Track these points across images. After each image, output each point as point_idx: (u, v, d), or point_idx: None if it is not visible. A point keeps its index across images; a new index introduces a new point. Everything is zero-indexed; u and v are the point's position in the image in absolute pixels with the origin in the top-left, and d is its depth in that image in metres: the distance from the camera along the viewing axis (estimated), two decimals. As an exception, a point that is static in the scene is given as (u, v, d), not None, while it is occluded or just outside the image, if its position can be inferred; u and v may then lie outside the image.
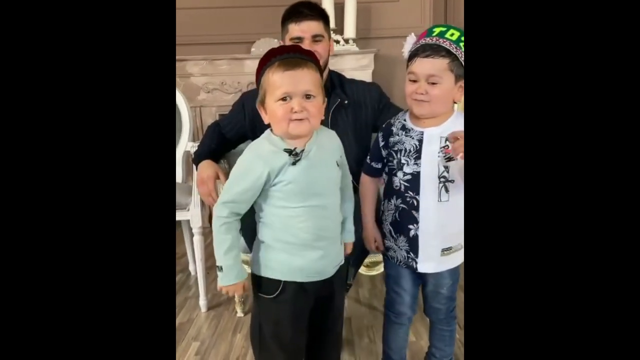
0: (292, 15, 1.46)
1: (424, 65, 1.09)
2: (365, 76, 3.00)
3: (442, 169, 1.11)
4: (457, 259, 1.21)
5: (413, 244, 1.18)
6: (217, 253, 1.04)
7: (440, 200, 1.13)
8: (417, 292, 1.28)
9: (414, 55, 1.11)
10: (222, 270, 1.04)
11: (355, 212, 1.22)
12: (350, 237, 1.21)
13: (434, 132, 1.13)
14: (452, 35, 1.09)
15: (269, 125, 1.06)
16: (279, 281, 1.05)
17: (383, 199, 1.26)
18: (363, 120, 1.55)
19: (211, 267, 2.32)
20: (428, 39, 1.10)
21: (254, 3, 3.11)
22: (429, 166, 1.12)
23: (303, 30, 1.44)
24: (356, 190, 1.27)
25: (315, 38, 1.45)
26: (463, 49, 1.08)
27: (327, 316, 1.16)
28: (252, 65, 3.05)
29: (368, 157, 1.27)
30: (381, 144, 1.23)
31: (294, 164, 0.99)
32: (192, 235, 2.00)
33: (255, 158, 1.01)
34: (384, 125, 1.25)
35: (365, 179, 1.29)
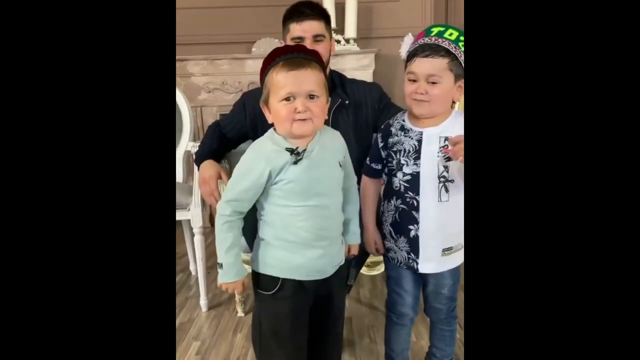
0: (293, 15, 1.46)
1: (424, 65, 1.09)
2: (366, 76, 2.99)
3: (442, 168, 1.11)
4: (458, 258, 1.21)
5: (413, 245, 1.17)
6: (219, 250, 1.05)
7: (441, 200, 1.13)
8: (418, 292, 1.28)
9: (413, 55, 1.11)
10: (223, 268, 1.05)
11: None
12: (356, 239, 1.21)
13: (433, 132, 1.13)
14: (450, 35, 1.09)
15: (270, 125, 1.06)
16: (278, 278, 1.06)
17: (383, 199, 1.26)
18: (364, 120, 1.55)
19: (212, 267, 2.33)
20: (427, 38, 1.10)
21: (255, 3, 3.11)
22: (429, 166, 1.12)
23: (304, 30, 1.44)
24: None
25: (317, 38, 1.45)
26: (462, 49, 1.08)
27: (328, 316, 1.16)
28: (253, 65, 3.05)
29: (368, 159, 1.27)
30: (380, 144, 1.23)
31: (295, 163, 1.00)
32: (192, 235, 2.01)
33: (258, 157, 1.02)
34: (382, 126, 1.25)
35: (365, 180, 1.29)
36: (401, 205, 1.17)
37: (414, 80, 1.11)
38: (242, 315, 1.93)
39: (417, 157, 1.13)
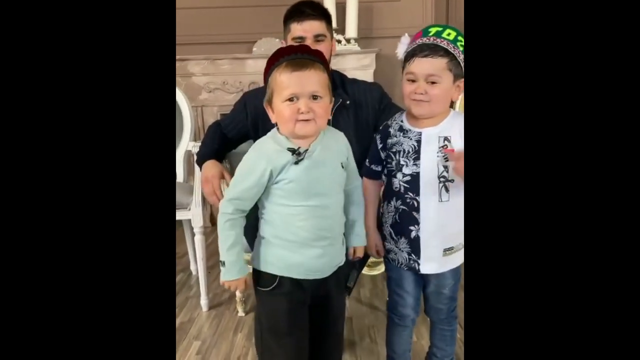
0: (294, 14, 1.46)
1: (423, 65, 1.09)
2: (367, 76, 3.00)
3: (442, 168, 1.11)
4: (459, 258, 1.21)
5: (414, 246, 1.17)
6: (221, 248, 1.06)
7: (441, 200, 1.13)
8: (419, 293, 1.28)
9: (411, 55, 1.11)
10: (225, 266, 1.06)
11: None
12: (361, 241, 1.21)
13: (432, 132, 1.13)
14: (448, 35, 1.09)
15: (271, 126, 1.06)
16: (276, 276, 1.07)
17: (382, 201, 1.25)
18: (364, 120, 1.54)
19: (212, 267, 2.33)
20: (425, 39, 1.10)
21: (256, 3, 3.11)
22: (429, 166, 1.12)
23: (305, 29, 1.44)
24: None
25: (318, 38, 1.45)
26: (460, 49, 1.08)
27: (327, 316, 1.16)
28: (254, 64, 3.06)
29: (367, 160, 1.26)
30: (379, 146, 1.22)
31: (296, 163, 1.01)
32: (193, 234, 2.01)
33: (259, 156, 1.03)
34: (381, 127, 1.25)
35: (365, 182, 1.28)
36: (401, 206, 1.17)
37: (413, 81, 1.11)
38: (243, 315, 1.93)
39: (417, 158, 1.13)
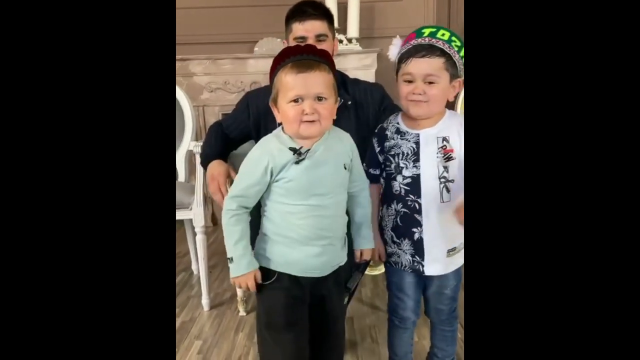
0: (296, 14, 1.45)
1: (421, 65, 1.09)
2: (368, 76, 3.00)
3: (442, 169, 1.11)
4: (461, 259, 1.21)
5: (418, 247, 1.17)
6: (227, 245, 1.06)
7: (443, 201, 1.12)
8: (420, 296, 1.27)
9: (407, 56, 1.11)
10: (233, 262, 1.06)
11: None
12: (368, 244, 1.20)
13: (430, 133, 1.13)
14: (443, 35, 1.09)
15: (273, 126, 1.07)
16: (275, 271, 1.08)
17: (381, 205, 1.25)
18: (365, 120, 1.54)
19: (214, 266, 2.33)
20: (420, 39, 1.10)
21: (257, 2, 3.11)
22: (429, 168, 1.12)
23: (307, 29, 1.44)
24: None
25: (319, 37, 1.44)
26: (455, 49, 1.08)
27: (327, 316, 1.16)
28: (255, 64, 3.06)
29: (365, 164, 1.25)
30: (377, 149, 1.22)
31: (297, 162, 1.01)
32: (194, 234, 2.01)
33: (262, 154, 1.04)
34: (377, 130, 1.25)
35: None
36: (402, 209, 1.16)
37: (411, 81, 1.10)
38: (244, 314, 1.94)
39: (417, 160, 1.13)
